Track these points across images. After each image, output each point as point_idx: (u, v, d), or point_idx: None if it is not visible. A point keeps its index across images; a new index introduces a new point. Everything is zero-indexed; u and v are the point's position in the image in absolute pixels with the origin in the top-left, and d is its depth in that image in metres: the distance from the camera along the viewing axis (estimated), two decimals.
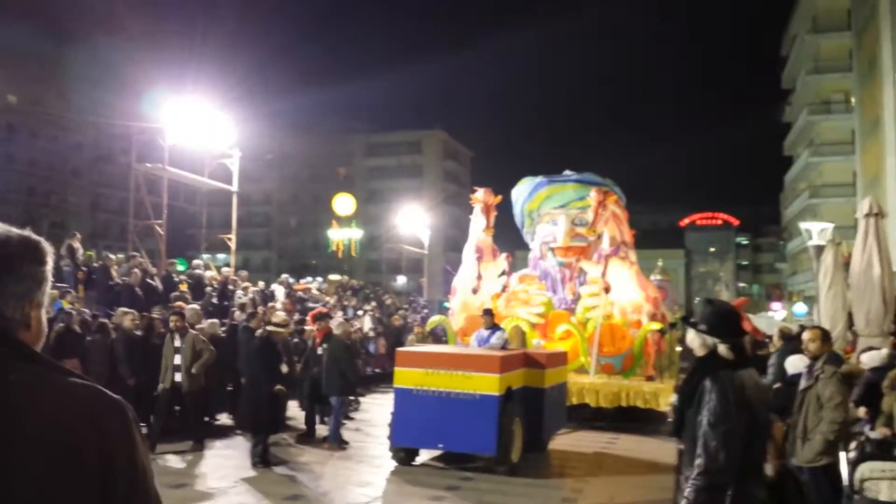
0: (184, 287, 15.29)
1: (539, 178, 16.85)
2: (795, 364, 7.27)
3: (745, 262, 78.74)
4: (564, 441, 11.74)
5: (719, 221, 76.27)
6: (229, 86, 39.94)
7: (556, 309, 15.30)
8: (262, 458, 9.42)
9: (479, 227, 15.43)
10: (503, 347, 10.41)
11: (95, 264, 14.88)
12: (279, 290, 18.88)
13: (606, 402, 13.03)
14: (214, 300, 15.54)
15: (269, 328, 9.94)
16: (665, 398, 12.56)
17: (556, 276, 16.24)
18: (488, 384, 8.77)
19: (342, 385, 10.84)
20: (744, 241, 78.34)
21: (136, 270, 14.27)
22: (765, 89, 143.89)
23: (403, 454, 9.63)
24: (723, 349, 3.40)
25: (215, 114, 21.81)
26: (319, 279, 27.03)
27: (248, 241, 70.95)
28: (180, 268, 19.51)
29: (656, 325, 13.80)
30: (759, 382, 3.54)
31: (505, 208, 16.83)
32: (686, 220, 76.61)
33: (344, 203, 30.46)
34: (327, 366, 10.90)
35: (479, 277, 15.02)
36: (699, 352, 3.49)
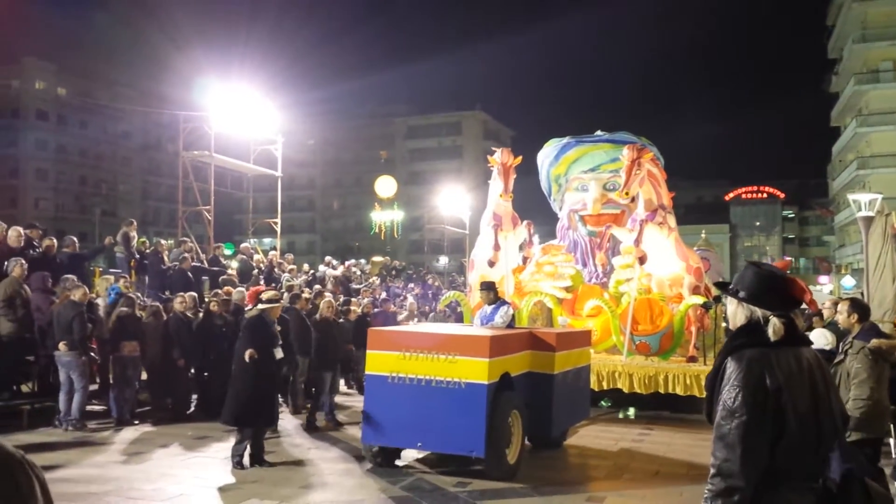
0: (231, 271, 15.78)
1: (566, 139, 14.94)
2: (817, 338, 7.25)
3: (791, 236, 77.24)
4: (587, 434, 10.37)
5: (764, 195, 74.77)
6: (273, 73, 40.55)
7: (585, 283, 14.01)
8: (254, 457, 8.09)
9: (496, 192, 13.65)
10: (510, 326, 9.06)
11: (147, 250, 15.41)
12: (327, 272, 19.30)
13: (641, 387, 11.74)
14: (262, 283, 15.98)
15: (261, 305, 8.37)
16: None
17: (587, 246, 14.74)
18: (475, 370, 7.29)
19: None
20: (790, 214, 76.83)
21: (186, 255, 14.78)
22: (810, 59, 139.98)
23: (379, 454, 8.01)
24: (776, 323, 2.79)
25: (259, 100, 22.30)
26: (363, 261, 27.45)
27: (293, 225, 71.99)
28: (228, 252, 20.03)
29: (699, 300, 12.19)
30: (816, 365, 2.84)
31: (530, 175, 15.73)
32: (731, 195, 75.28)
33: (385, 185, 30.78)
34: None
35: (497, 248, 13.46)
36: (735, 324, 2.92)
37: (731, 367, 2.75)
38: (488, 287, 9.47)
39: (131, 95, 65.52)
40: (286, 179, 25.06)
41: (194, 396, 11.66)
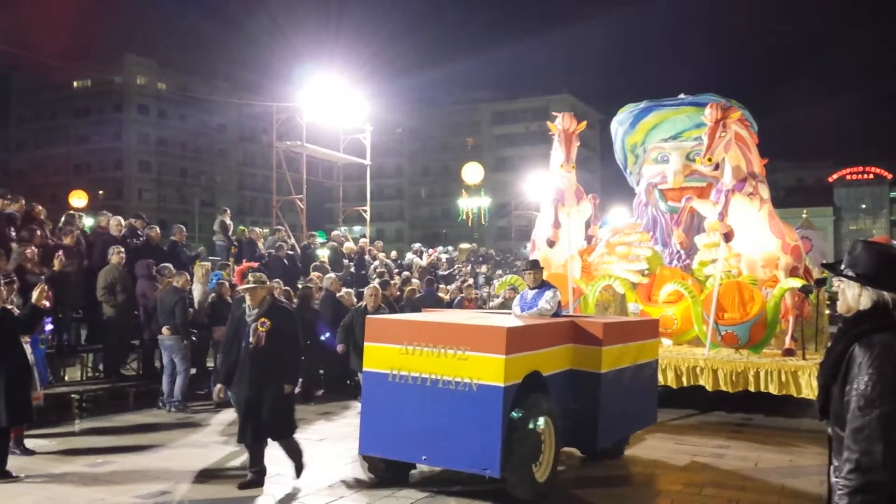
0: (324, 258, 16.11)
1: (643, 104, 13.09)
2: None
3: None
4: (654, 443, 8.64)
5: (871, 175, 70.93)
6: (361, 63, 41.11)
7: (665, 265, 12.44)
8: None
9: (557, 163, 11.92)
10: (556, 315, 7.65)
11: (243, 238, 15.89)
12: (413, 259, 19.48)
13: (727, 384, 10.14)
14: (353, 270, 16.27)
15: (240, 287, 7.41)
16: (809, 380, 9.59)
17: (667, 225, 12.97)
18: (489, 369, 5.94)
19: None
20: None
21: (281, 243, 15.19)
22: None
23: (384, 468, 6.72)
24: None
25: (348, 90, 22.69)
26: (450, 248, 27.58)
27: (381, 213, 73.02)
28: (320, 240, 20.48)
29: (797, 283, 10.49)
30: None
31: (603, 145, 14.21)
32: (834, 176, 71.78)
33: (472, 172, 30.74)
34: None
35: (557, 226, 11.76)
36: (856, 309, 2.74)
37: (860, 354, 2.59)
38: (532, 266, 8.00)
39: (227, 89, 67.75)
40: (374, 168, 25.43)
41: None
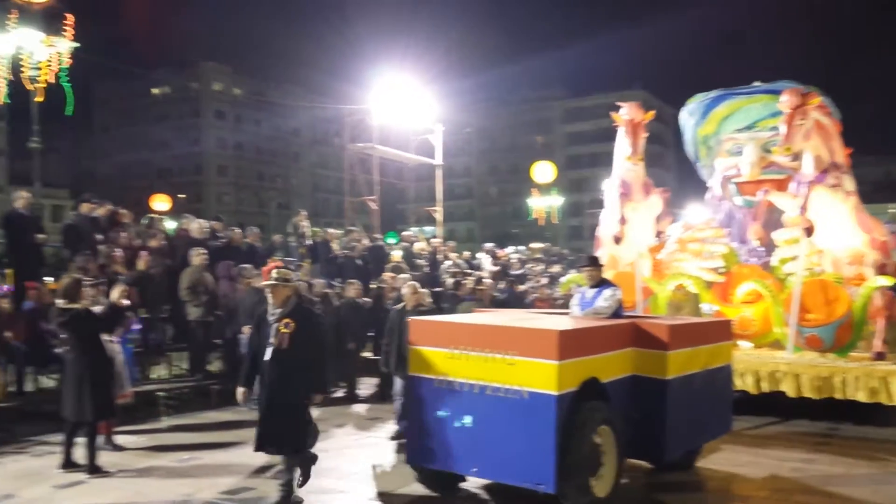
0: (396, 258, 16.25)
1: (714, 93, 12.54)
2: None
3: None
4: (729, 454, 8.05)
5: None
6: (431, 63, 41.30)
7: (741, 262, 11.78)
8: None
9: (623, 155, 11.36)
10: (617, 315, 7.20)
11: (318, 240, 16.17)
12: (485, 259, 19.46)
13: (811, 391, 9.51)
14: (426, 270, 16.36)
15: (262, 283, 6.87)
16: None
17: (744, 220, 12.39)
18: (541, 376, 5.57)
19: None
20: None
21: (355, 244, 15.40)
22: None
23: (434, 477, 6.48)
24: None
25: (418, 91, 22.85)
26: (522, 247, 27.44)
27: (452, 213, 73.21)
28: (392, 241, 20.67)
29: (887, 281, 9.84)
30: None
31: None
32: None
33: (543, 171, 30.51)
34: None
35: (623, 221, 11.20)
36: None
37: None
38: (590, 263, 7.56)
39: (300, 93, 69.20)
40: (444, 168, 25.53)
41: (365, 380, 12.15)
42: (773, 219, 11.90)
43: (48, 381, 9.65)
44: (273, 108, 68.54)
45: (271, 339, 6.14)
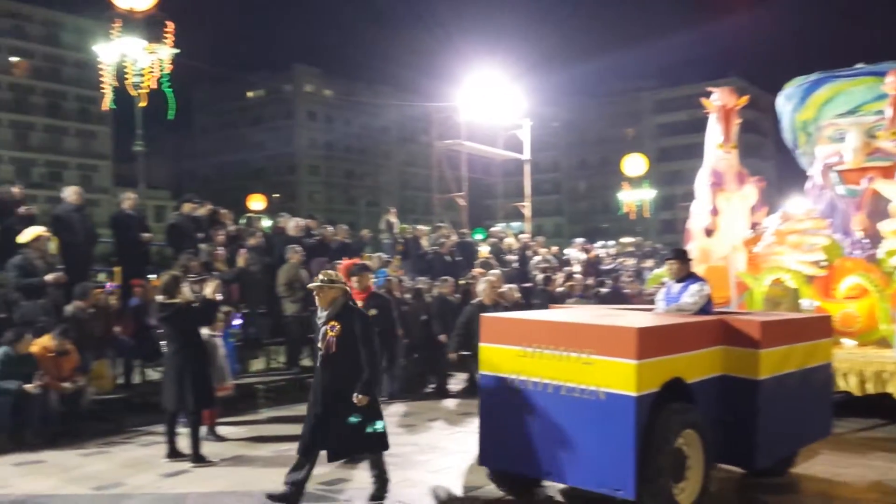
0: (484, 254, 16.24)
1: (813, 76, 11.92)
2: None
3: None
4: (827, 459, 7.52)
5: None
6: (518, 58, 41.13)
7: (844, 255, 10.96)
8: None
9: (714, 142, 11.02)
10: (705, 312, 6.74)
11: (408, 236, 16.33)
12: (575, 255, 19.23)
13: None
14: (515, 266, 16.29)
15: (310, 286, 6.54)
16: None
17: (847, 210, 11.53)
18: (619, 376, 5.26)
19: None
20: None
21: (444, 240, 15.48)
22: None
23: (508, 480, 6.27)
24: None
25: (506, 87, 22.77)
26: (611, 242, 26.98)
27: (539, 209, 72.43)
28: (479, 237, 20.68)
29: None
30: None
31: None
32: None
33: (634, 163, 29.91)
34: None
35: (715, 213, 10.85)
36: None
37: None
38: (675, 256, 7.12)
39: (389, 92, 70.13)
40: (531, 163, 25.36)
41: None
42: (878, 208, 11.01)
43: (154, 374, 10.09)
44: (362, 108, 69.74)
45: (318, 344, 6.01)
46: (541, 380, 5.64)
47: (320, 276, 6.06)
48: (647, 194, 32.77)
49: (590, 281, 15.63)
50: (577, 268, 17.24)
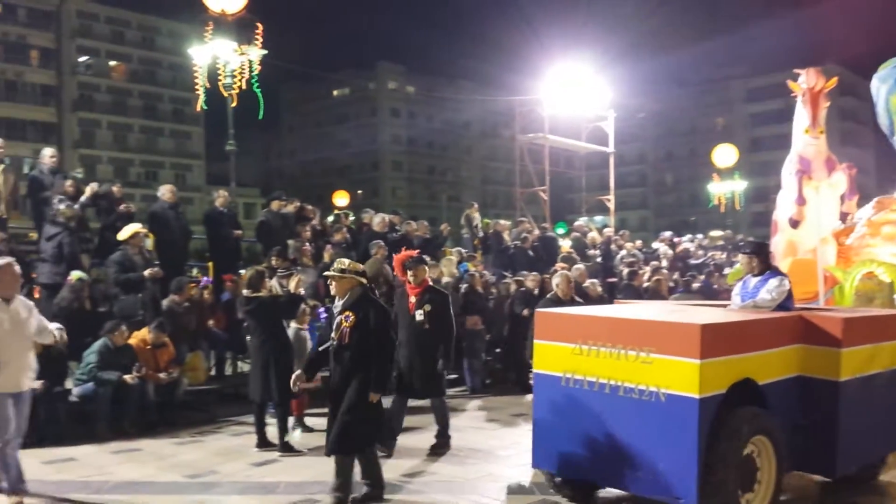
0: (566, 249, 16.06)
1: None
2: None
3: None
4: None
5: None
6: (603, 49, 40.43)
7: None
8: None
9: (800, 128, 10.38)
10: (786, 307, 6.31)
11: (489, 231, 16.30)
12: (662, 248, 18.79)
13: None
14: (599, 260, 16.05)
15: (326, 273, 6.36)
16: None
17: None
18: (681, 376, 4.90)
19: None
20: None
21: (526, 235, 15.38)
22: None
23: (562, 483, 5.95)
24: None
25: (591, 78, 22.42)
26: (699, 236, 26.25)
27: (624, 202, 71.33)
28: (560, 231, 20.45)
29: None
30: None
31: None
32: None
33: (725, 154, 28.90)
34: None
35: (802, 202, 10.13)
36: None
37: None
38: (754, 250, 6.69)
39: (470, 87, 70.19)
40: (616, 155, 24.91)
41: None
42: None
43: (245, 366, 10.39)
44: (444, 104, 70.04)
45: (332, 334, 5.88)
46: (597, 379, 5.33)
47: (334, 266, 5.91)
48: (738, 186, 31.67)
49: (676, 276, 15.25)
50: (664, 262, 16.85)
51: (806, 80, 10.36)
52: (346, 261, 5.93)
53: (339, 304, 5.90)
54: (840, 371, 5.69)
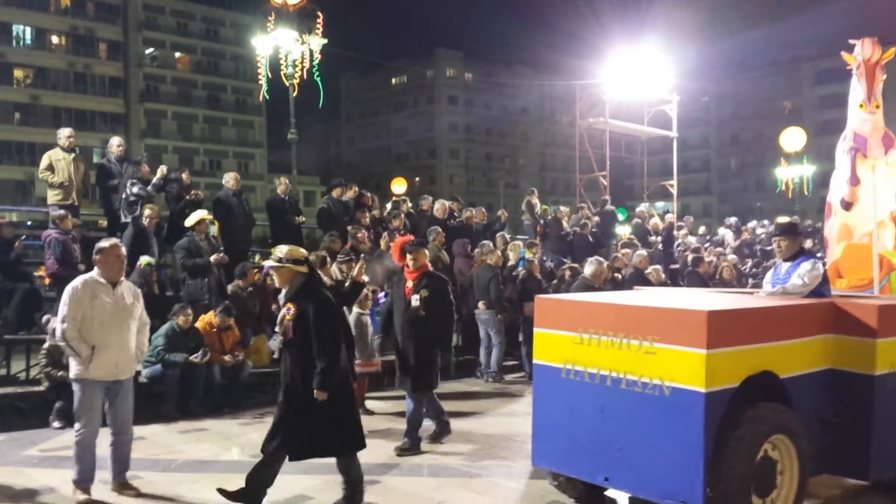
0: (625, 236, 15.82)
1: None
2: None
3: None
4: None
5: None
6: (667, 30, 39.59)
7: None
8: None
9: (855, 103, 9.60)
10: (821, 294, 5.79)
11: (549, 217, 16.16)
12: (727, 235, 18.36)
13: None
14: (661, 247, 15.77)
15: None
16: None
17: None
18: (686, 367, 4.47)
19: None
20: None
21: (586, 221, 15.20)
22: None
23: (566, 483, 5.48)
24: None
25: (654, 61, 21.95)
26: (766, 222, 25.57)
27: (686, 187, 69.77)
28: (620, 217, 20.13)
29: None
30: None
31: None
32: None
33: (793, 138, 27.98)
34: None
35: (856, 182, 9.34)
36: None
37: None
38: (786, 232, 6.17)
39: (527, 72, 69.64)
40: (678, 140, 24.38)
41: None
42: None
43: None
44: (501, 90, 69.70)
45: (276, 328, 5.51)
46: (598, 371, 4.92)
47: (273, 254, 5.43)
48: (807, 170, 30.70)
49: (749, 263, 14.89)
50: (729, 249, 16.47)
51: (861, 51, 9.51)
52: (285, 248, 5.36)
53: (281, 296, 5.52)
54: (875, 364, 5.20)
